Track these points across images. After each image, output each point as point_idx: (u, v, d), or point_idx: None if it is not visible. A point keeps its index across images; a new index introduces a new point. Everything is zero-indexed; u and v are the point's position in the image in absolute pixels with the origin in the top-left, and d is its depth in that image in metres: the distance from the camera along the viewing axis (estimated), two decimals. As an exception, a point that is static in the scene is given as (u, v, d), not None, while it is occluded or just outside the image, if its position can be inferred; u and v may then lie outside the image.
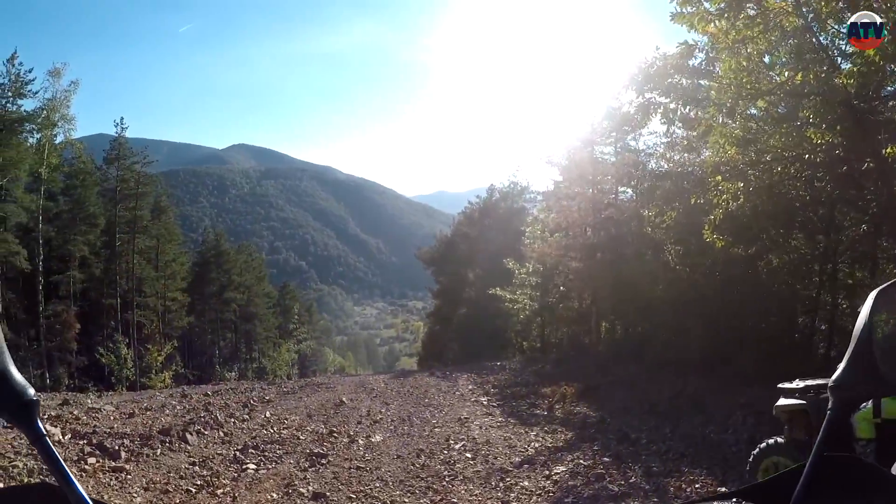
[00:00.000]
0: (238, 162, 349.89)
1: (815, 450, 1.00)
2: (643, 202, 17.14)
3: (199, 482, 7.38)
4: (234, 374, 43.47)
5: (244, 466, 8.14)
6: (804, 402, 5.28)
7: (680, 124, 15.89)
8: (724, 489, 6.66)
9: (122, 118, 37.68)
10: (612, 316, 20.52)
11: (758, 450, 5.76)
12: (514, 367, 21.11)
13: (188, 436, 9.21)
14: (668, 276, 15.40)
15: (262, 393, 16.23)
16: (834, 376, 1.04)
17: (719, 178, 11.30)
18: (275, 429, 10.76)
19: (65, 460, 0.88)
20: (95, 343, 32.38)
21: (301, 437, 10.00)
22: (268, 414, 12.21)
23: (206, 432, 9.84)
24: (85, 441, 8.54)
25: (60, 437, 8.60)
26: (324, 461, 8.43)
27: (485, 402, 13.93)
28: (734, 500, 1.08)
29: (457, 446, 9.17)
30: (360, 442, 9.70)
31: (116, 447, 8.14)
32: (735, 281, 14.25)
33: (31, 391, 0.91)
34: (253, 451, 8.97)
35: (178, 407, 12.97)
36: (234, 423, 11.02)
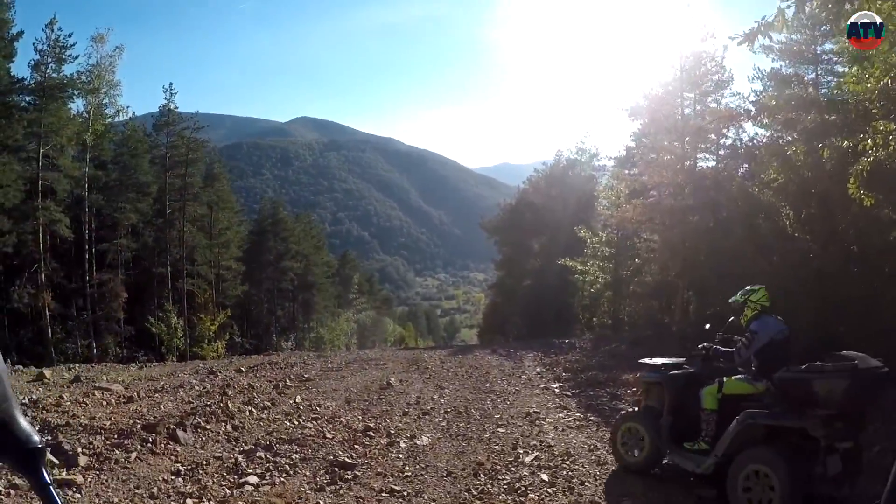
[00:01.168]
0: (301, 134, 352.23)
1: None
2: (748, 155, 14.33)
3: (173, 505, 5.38)
4: (290, 343, 42.65)
5: (243, 479, 6.09)
6: (659, 376, 6.34)
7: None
8: None
9: (170, 84, 36.20)
10: (700, 291, 17.77)
11: (618, 416, 6.95)
12: (584, 346, 18.75)
13: (181, 432, 7.12)
14: (781, 246, 12.65)
15: (303, 369, 14.39)
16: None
17: (875, 110, 8.71)
18: (300, 420, 8.73)
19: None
20: (147, 312, 31.55)
21: (328, 436, 7.89)
22: (298, 399, 10.22)
23: (207, 426, 7.77)
24: (49, 437, 6.68)
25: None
26: (349, 475, 6.29)
27: (556, 391, 11.61)
28: None
29: (527, 459, 6.83)
30: (402, 445, 7.52)
31: (78, 449, 6.20)
32: (866, 256, 11.47)
33: (36, 438, 0.88)
34: (262, 454, 6.93)
35: (197, 388, 11.14)
36: (250, 412, 8.99)
